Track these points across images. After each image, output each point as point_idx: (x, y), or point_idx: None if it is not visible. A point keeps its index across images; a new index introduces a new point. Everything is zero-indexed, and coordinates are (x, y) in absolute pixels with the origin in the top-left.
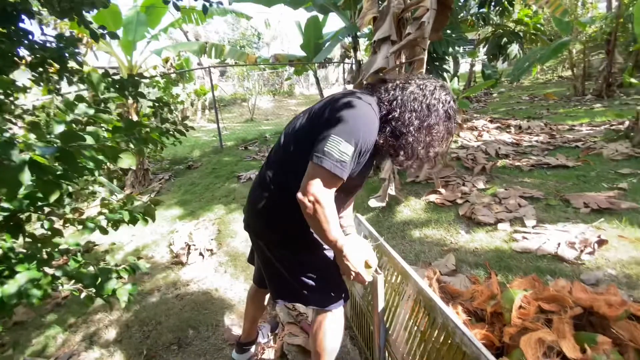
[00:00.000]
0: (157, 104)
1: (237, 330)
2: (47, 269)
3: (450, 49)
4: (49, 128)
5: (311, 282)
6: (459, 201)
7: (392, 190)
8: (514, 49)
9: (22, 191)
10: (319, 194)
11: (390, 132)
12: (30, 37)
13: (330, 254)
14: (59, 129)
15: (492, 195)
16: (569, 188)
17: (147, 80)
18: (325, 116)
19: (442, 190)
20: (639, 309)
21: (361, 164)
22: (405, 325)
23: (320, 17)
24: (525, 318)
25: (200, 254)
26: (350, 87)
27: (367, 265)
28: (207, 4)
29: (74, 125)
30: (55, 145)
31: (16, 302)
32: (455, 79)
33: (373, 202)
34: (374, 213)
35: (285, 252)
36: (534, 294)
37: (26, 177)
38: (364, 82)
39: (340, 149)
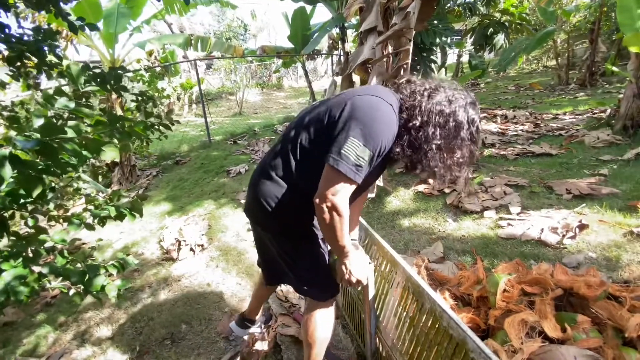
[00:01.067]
0: (140, 98)
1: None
2: (33, 267)
3: (438, 40)
4: (29, 123)
5: (306, 273)
6: (447, 190)
7: (380, 182)
8: (500, 39)
9: (3, 188)
10: (336, 201)
11: (408, 143)
12: (6, 30)
13: (324, 244)
14: (39, 122)
15: (478, 184)
16: (552, 175)
17: (130, 74)
18: (345, 115)
19: (430, 180)
20: (617, 289)
21: (372, 167)
22: (395, 312)
23: (308, 8)
24: (509, 301)
25: (191, 249)
26: (338, 79)
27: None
28: None
29: (54, 120)
30: (35, 138)
31: (3, 300)
32: (443, 69)
33: None
34: (364, 204)
35: (284, 241)
36: (518, 278)
37: (7, 171)
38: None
39: (357, 153)
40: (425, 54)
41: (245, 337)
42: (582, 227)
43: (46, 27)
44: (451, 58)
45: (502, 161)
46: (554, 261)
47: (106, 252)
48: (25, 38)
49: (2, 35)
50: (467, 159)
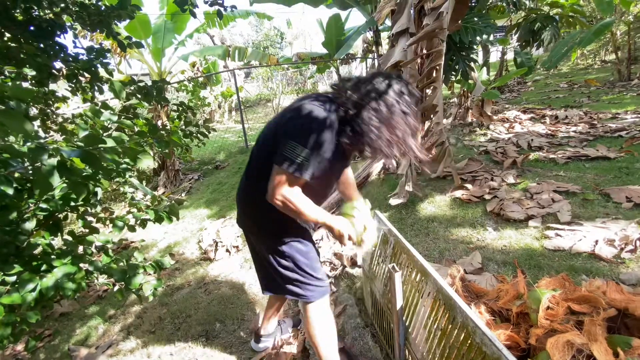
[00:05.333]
0: (180, 108)
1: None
2: (81, 264)
3: (478, 38)
4: (77, 132)
5: (290, 274)
6: (487, 197)
7: (409, 187)
8: (548, 34)
9: (57, 192)
10: (284, 194)
11: (351, 132)
12: (64, 50)
13: (306, 246)
14: (84, 133)
15: (523, 190)
16: (610, 181)
17: (176, 85)
18: (283, 123)
19: (469, 186)
20: None
21: (329, 161)
22: (425, 324)
23: (342, 14)
24: (554, 319)
25: (227, 250)
26: None
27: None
28: (222, 9)
29: (100, 131)
30: (78, 148)
31: (54, 294)
32: (484, 68)
33: (392, 201)
34: (395, 210)
35: (267, 244)
36: (564, 294)
37: (56, 178)
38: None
39: (296, 152)
40: (464, 53)
41: (268, 342)
42: None
43: (98, 46)
44: (495, 56)
45: (550, 165)
46: (609, 277)
47: (151, 251)
48: (80, 57)
49: (62, 55)
50: (407, 131)
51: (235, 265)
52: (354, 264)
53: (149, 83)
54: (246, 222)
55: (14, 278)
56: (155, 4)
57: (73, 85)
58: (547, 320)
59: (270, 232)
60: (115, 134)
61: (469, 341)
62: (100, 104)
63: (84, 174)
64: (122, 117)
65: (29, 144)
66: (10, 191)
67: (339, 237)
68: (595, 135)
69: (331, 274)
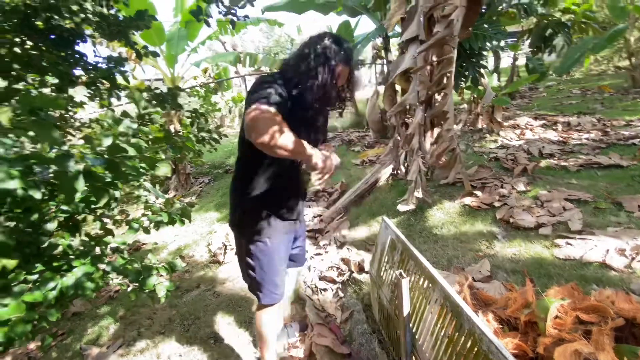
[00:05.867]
0: (193, 114)
1: None
2: (99, 265)
3: (488, 44)
4: (100, 141)
5: (251, 272)
6: (497, 204)
7: (419, 193)
8: (560, 40)
9: (77, 195)
10: (263, 124)
11: (296, 84)
12: (84, 58)
13: (272, 248)
14: (107, 142)
15: (533, 198)
16: (622, 190)
17: (188, 91)
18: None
19: (479, 193)
20: None
21: (290, 110)
22: (432, 331)
23: (352, 21)
24: (562, 328)
25: (236, 253)
26: (381, 88)
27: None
28: (235, 19)
29: (120, 138)
30: (103, 157)
31: (73, 293)
32: (495, 74)
33: (401, 207)
34: (404, 216)
35: (241, 241)
36: (572, 304)
37: (80, 184)
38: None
39: (257, 94)
40: (474, 60)
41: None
42: None
43: (116, 54)
44: (507, 61)
45: (562, 173)
46: (620, 287)
47: (162, 253)
48: (100, 65)
49: (81, 63)
50: (328, 69)
51: None
52: (361, 269)
53: (162, 88)
54: (230, 215)
55: (35, 277)
56: (169, 11)
57: (92, 92)
58: (555, 329)
59: (246, 225)
60: (133, 140)
61: (476, 349)
62: (115, 109)
63: (106, 180)
64: (139, 124)
65: (55, 150)
66: (38, 195)
67: (313, 167)
68: (608, 142)
69: (338, 280)
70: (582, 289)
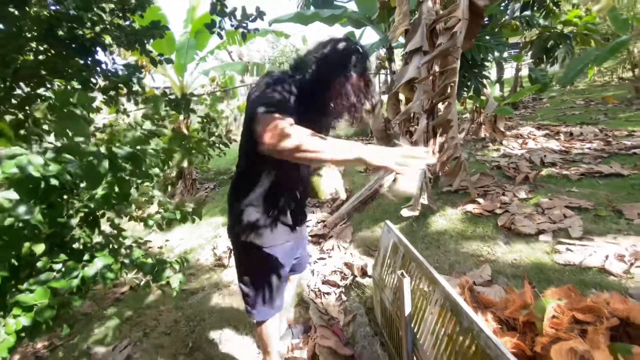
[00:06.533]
0: (205, 120)
1: None
2: (118, 257)
3: (490, 55)
4: (123, 137)
5: (244, 287)
6: (498, 211)
7: (424, 200)
8: (562, 51)
9: (99, 192)
10: (276, 131)
11: (311, 92)
12: (103, 66)
13: (269, 263)
14: (130, 135)
15: (534, 205)
16: (623, 198)
17: (195, 99)
18: (248, 105)
19: (481, 200)
20: None
21: (298, 115)
22: (433, 330)
23: (356, 32)
24: (559, 328)
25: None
26: (385, 97)
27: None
28: (246, 31)
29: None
30: (127, 149)
31: (94, 281)
32: (497, 85)
33: (405, 212)
34: (407, 222)
35: (237, 251)
36: (569, 304)
37: (105, 168)
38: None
39: (266, 100)
40: (476, 70)
41: (281, 350)
42: None
43: (132, 61)
44: (510, 72)
45: (563, 182)
46: (619, 291)
47: (168, 256)
48: (119, 72)
49: (102, 70)
50: (357, 88)
51: None
52: (364, 273)
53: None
54: (229, 222)
55: (59, 266)
56: (179, 22)
57: (107, 98)
58: (552, 328)
59: (243, 234)
60: (153, 140)
61: (474, 345)
62: (130, 114)
63: (129, 171)
64: (159, 126)
65: (82, 145)
66: (68, 178)
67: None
68: (609, 152)
69: (341, 284)
70: (581, 293)
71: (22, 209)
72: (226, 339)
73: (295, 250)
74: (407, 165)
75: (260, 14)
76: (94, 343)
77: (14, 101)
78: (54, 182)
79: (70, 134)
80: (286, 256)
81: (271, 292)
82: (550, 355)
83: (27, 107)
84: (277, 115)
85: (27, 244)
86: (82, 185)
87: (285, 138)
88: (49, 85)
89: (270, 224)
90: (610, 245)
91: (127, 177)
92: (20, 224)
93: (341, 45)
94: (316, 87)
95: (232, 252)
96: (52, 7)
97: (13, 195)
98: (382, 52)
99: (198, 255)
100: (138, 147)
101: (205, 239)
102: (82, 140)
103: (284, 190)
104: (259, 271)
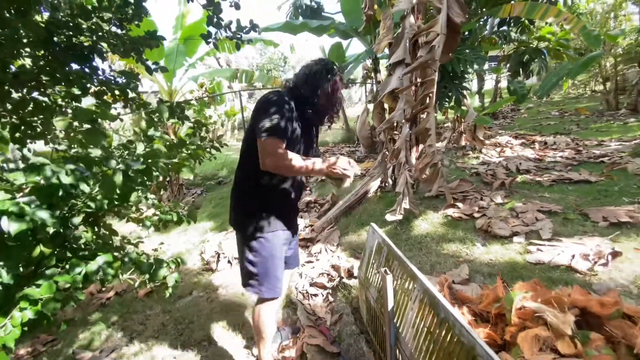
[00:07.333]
0: (196, 125)
1: None
2: (117, 255)
3: (470, 68)
4: (134, 148)
5: (252, 268)
6: (477, 215)
7: (406, 204)
8: (537, 65)
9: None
10: (274, 159)
11: (304, 104)
12: (102, 73)
13: (274, 244)
14: (140, 148)
15: (509, 209)
16: (589, 203)
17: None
18: (253, 114)
19: (460, 205)
20: (631, 309)
21: (294, 131)
22: (413, 324)
23: (344, 43)
24: (525, 318)
25: (229, 261)
26: (371, 106)
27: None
28: (240, 42)
29: (145, 142)
30: (141, 161)
31: (96, 278)
32: (477, 96)
33: (389, 217)
34: (391, 226)
35: (243, 238)
36: (535, 296)
37: (119, 178)
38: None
39: (267, 122)
40: (457, 82)
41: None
42: (615, 254)
43: (119, 68)
44: (491, 84)
45: (536, 187)
46: (583, 288)
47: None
48: (117, 79)
49: (100, 78)
50: (335, 97)
51: (237, 276)
52: (350, 275)
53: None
54: (233, 215)
55: (62, 263)
56: (166, 27)
57: (100, 102)
58: (519, 318)
59: (249, 223)
60: (155, 146)
61: (450, 334)
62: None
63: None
64: (162, 132)
65: (99, 153)
66: (87, 189)
67: (338, 175)
68: (579, 160)
69: (329, 285)
70: (549, 289)
71: (42, 214)
72: (215, 340)
73: (289, 240)
74: (348, 170)
75: (254, 27)
76: (79, 348)
77: (9, 106)
78: (69, 189)
79: (89, 146)
80: (285, 241)
81: (276, 270)
82: (517, 341)
83: (21, 111)
84: (276, 140)
85: (37, 248)
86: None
87: (280, 161)
88: (42, 90)
89: (272, 214)
90: (577, 246)
91: (133, 186)
92: (33, 228)
93: (321, 61)
94: (310, 97)
95: (237, 240)
96: (46, 13)
97: (34, 200)
98: (369, 62)
99: (185, 259)
100: (149, 161)
101: (192, 243)
102: (100, 151)
103: (282, 188)
104: (265, 252)
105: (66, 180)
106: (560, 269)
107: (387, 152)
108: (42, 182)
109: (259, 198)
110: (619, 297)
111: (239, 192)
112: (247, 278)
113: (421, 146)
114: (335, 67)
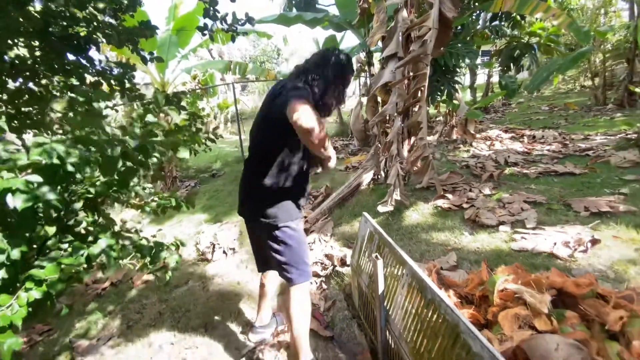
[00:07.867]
0: (191, 117)
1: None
2: (118, 239)
3: (462, 62)
4: (132, 130)
5: (280, 257)
6: (465, 206)
7: (397, 195)
8: (527, 60)
9: (102, 178)
10: (310, 118)
11: (316, 90)
12: (95, 64)
13: (297, 232)
14: (137, 129)
15: (497, 200)
16: (573, 194)
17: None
18: (284, 95)
19: (450, 196)
20: (607, 290)
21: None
22: (402, 306)
23: (337, 35)
24: (507, 299)
25: (224, 252)
26: (364, 99)
27: None
28: (235, 34)
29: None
30: (138, 140)
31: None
32: (468, 90)
33: (381, 208)
34: (383, 217)
35: (266, 229)
36: (516, 279)
37: (118, 152)
38: None
39: (299, 92)
40: (449, 76)
41: (265, 334)
42: (595, 241)
43: (112, 57)
44: (483, 78)
45: (523, 179)
46: (563, 272)
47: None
48: (114, 70)
49: (97, 68)
50: (343, 87)
51: (232, 266)
52: (343, 263)
53: (149, 92)
54: (250, 206)
55: (65, 246)
56: (159, 18)
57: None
58: (501, 300)
59: (271, 214)
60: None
61: (436, 314)
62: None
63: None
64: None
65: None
66: (88, 170)
67: (326, 160)
68: (565, 154)
69: (322, 274)
70: (531, 274)
71: (45, 189)
72: (212, 327)
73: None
74: (333, 153)
75: (249, 19)
76: (75, 337)
77: (4, 96)
78: (71, 169)
79: (87, 127)
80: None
81: (305, 256)
82: (499, 320)
83: (17, 101)
84: (305, 100)
85: (41, 229)
86: (87, 172)
87: (313, 122)
88: (37, 80)
89: (292, 202)
90: (559, 234)
91: (135, 167)
92: (36, 206)
93: (334, 52)
94: (325, 87)
95: (253, 232)
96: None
97: (37, 178)
98: (362, 56)
99: (180, 251)
100: (147, 139)
101: (187, 234)
102: (99, 132)
103: (297, 175)
104: (292, 241)
105: (68, 159)
106: (542, 255)
107: (379, 145)
108: (44, 161)
109: (277, 187)
110: (595, 279)
111: (253, 184)
112: (277, 266)
113: (413, 139)
114: (348, 58)
